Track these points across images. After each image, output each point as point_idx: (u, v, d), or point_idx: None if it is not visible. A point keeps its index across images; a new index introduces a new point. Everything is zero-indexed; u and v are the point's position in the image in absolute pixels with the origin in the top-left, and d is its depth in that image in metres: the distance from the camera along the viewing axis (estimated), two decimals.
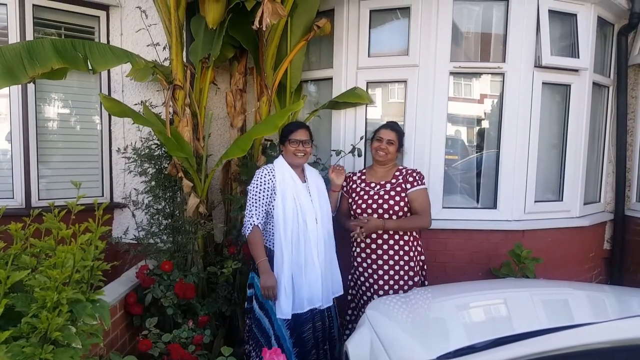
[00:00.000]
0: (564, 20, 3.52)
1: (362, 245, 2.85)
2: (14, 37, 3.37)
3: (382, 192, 2.83)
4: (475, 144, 3.62)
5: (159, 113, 3.37)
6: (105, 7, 3.77)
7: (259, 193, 2.59)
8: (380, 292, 2.77)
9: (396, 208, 2.77)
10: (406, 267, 2.78)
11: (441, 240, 3.37)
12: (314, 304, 2.58)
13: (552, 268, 3.40)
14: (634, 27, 3.81)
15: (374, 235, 2.80)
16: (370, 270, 2.82)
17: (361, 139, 3.40)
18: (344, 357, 2.20)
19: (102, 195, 3.86)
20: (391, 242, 2.79)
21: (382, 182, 2.87)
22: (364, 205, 2.83)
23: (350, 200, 2.93)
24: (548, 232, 3.50)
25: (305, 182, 2.70)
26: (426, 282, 2.95)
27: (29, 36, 3.42)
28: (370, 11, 3.45)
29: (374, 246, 2.81)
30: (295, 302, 2.54)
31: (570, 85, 3.56)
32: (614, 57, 3.99)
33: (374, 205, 2.80)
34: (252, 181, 2.63)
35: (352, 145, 3.34)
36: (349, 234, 2.95)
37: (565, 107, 3.60)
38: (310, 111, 3.63)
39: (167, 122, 3.07)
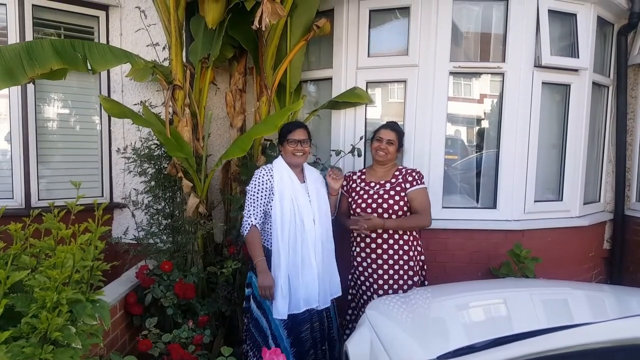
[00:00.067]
0: (564, 20, 3.52)
1: (362, 244, 2.85)
2: (13, 38, 3.37)
3: (381, 192, 2.83)
4: (475, 143, 3.62)
5: (159, 113, 3.37)
6: (105, 7, 3.77)
7: (257, 193, 2.59)
8: (380, 292, 2.77)
9: (396, 207, 2.77)
10: (406, 267, 2.79)
11: (441, 240, 3.37)
12: (310, 304, 2.57)
13: (552, 268, 3.40)
14: (634, 26, 3.81)
15: (373, 235, 2.80)
16: (370, 270, 2.82)
17: (361, 139, 3.40)
18: (344, 357, 2.20)
19: (102, 196, 3.86)
20: (391, 241, 2.79)
21: (382, 182, 2.88)
22: (363, 205, 2.83)
23: (350, 199, 2.93)
24: (548, 232, 3.50)
25: (304, 182, 2.70)
26: (426, 282, 2.95)
27: (29, 36, 3.42)
28: (370, 11, 3.45)
29: (373, 246, 2.81)
30: (292, 302, 2.54)
31: (570, 85, 3.56)
32: (614, 56, 3.99)
33: (374, 205, 2.80)
34: (251, 181, 2.64)
35: (351, 145, 3.34)
36: (348, 234, 2.95)
37: (565, 107, 3.60)
38: (309, 111, 3.63)
39: (167, 122, 3.07)
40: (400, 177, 2.86)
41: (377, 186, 2.87)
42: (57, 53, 2.49)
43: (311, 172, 2.79)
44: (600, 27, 3.74)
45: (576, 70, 3.53)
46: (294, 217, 2.57)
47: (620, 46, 3.91)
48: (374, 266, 2.80)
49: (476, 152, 3.58)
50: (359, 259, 2.87)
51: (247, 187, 2.65)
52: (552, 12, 3.38)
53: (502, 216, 3.41)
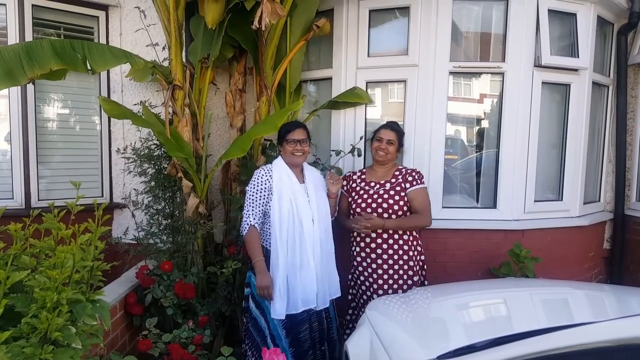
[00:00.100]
0: (564, 19, 3.52)
1: (362, 244, 2.85)
2: (13, 38, 3.38)
3: (381, 192, 2.83)
4: (475, 143, 3.62)
5: (159, 113, 3.37)
6: (105, 7, 3.77)
7: (256, 194, 2.60)
8: (380, 292, 2.77)
9: (395, 207, 2.77)
10: (405, 267, 2.79)
11: (441, 240, 3.37)
12: (308, 305, 2.57)
13: (552, 267, 3.40)
14: (634, 26, 3.81)
15: (373, 235, 2.80)
16: (369, 270, 2.82)
17: (361, 138, 3.40)
18: (344, 357, 2.20)
19: (102, 196, 3.86)
20: (390, 241, 2.79)
21: (382, 182, 2.88)
22: (363, 205, 2.83)
23: (349, 199, 2.93)
24: (548, 232, 3.50)
25: (303, 182, 2.69)
26: (426, 282, 2.95)
27: (28, 36, 3.42)
28: (370, 11, 3.45)
29: (373, 245, 2.81)
30: (290, 302, 2.54)
31: (570, 84, 3.56)
32: (614, 56, 3.99)
33: (374, 205, 2.80)
34: (250, 182, 2.65)
35: (351, 145, 3.34)
36: (348, 234, 2.95)
37: (564, 107, 3.60)
38: (309, 111, 3.63)
39: (167, 122, 3.07)
40: (400, 177, 2.86)
41: (377, 186, 2.87)
42: (57, 53, 2.49)
43: (311, 172, 2.78)
44: (600, 27, 3.74)
45: (576, 70, 3.53)
46: (292, 218, 2.56)
47: (620, 46, 3.91)
48: (374, 266, 2.80)
49: (476, 152, 3.58)
50: (358, 259, 2.87)
51: (247, 188, 2.66)
52: (552, 12, 3.38)
53: (502, 216, 3.41)
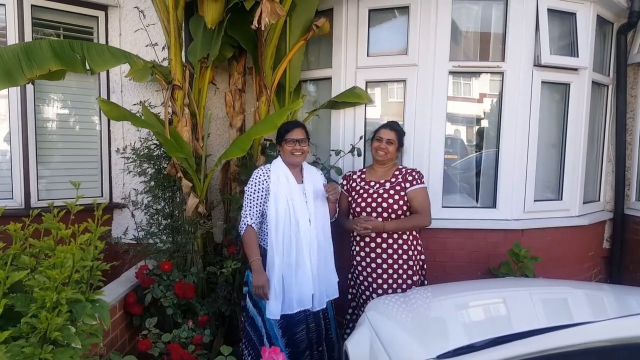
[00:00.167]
0: (563, 19, 3.52)
1: (362, 244, 2.85)
2: (12, 38, 3.38)
3: (381, 191, 2.83)
4: (474, 143, 3.62)
5: (158, 113, 3.37)
6: (104, 8, 3.77)
7: (253, 194, 2.61)
8: (380, 291, 2.77)
9: (395, 207, 2.77)
10: (405, 266, 2.79)
11: (440, 239, 3.37)
12: (303, 305, 2.56)
13: (552, 267, 3.40)
14: (634, 25, 3.81)
15: (373, 234, 2.81)
16: (369, 269, 2.82)
17: (360, 138, 3.40)
18: (344, 357, 2.21)
19: (102, 196, 3.86)
20: (390, 241, 2.80)
21: (382, 181, 2.88)
22: (363, 204, 2.83)
23: (349, 198, 2.93)
24: (547, 231, 3.50)
25: (302, 182, 2.69)
26: (425, 282, 2.95)
27: (28, 37, 3.42)
28: (369, 10, 3.45)
29: (373, 245, 2.81)
30: (285, 303, 2.54)
31: (569, 84, 3.56)
32: (613, 55, 3.99)
33: (373, 204, 2.80)
34: (248, 182, 2.66)
35: (351, 145, 3.34)
36: (348, 233, 2.95)
37: (564, 106, 3.60)
38: (309, 111, 3.63)
39: (166, 122, 3.07)
40: (400, 176, 2.87)
41: (377, 185, 2.87)
42: (56, 54, 2.49)
43: (311, 173, 2.77)
44: (599, 26, 3.74)
45: (576, 70, 3.53)
46: (288, 218, 2.56)
47: (620, 45, 3.91)
48: (373, 265, 2.80)
49: (476, 152, 3.58)
50: (358, 258, 2.87)
51: (245, 188, 2.66)
52: (551, 11, 3.38)
53: (501, 215, 3.41)
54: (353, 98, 3.37)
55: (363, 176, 2.97)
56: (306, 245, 2.57)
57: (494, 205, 3.44)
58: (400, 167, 2.95)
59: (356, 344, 2.14)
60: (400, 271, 2.78)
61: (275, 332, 2.59)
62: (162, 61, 3.45)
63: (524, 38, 3.32)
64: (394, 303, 2.41)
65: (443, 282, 2.86)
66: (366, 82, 3.49)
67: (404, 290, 2.74)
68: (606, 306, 2.32)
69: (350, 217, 2.97)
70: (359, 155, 3.35)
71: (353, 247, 2.92)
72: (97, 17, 3.77)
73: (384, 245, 2.79)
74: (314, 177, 2.76)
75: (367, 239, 2.83)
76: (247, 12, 3.02)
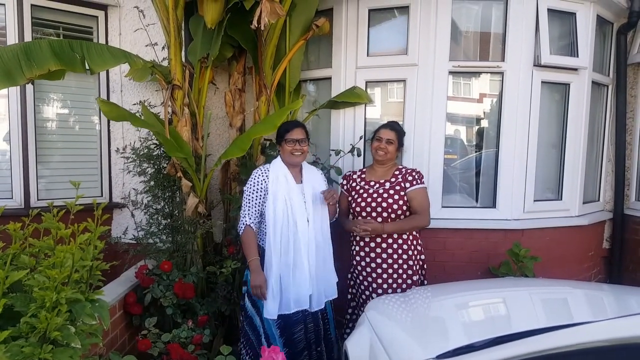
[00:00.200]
0: (563, 19, 3.52)
1: (362, 243, 2.85)
2: (12, 38, 3.38)
3: (381, 191, 2.83)
4: (474, 143, 3.62)
5: (158, 113, 3.37)
6: (104, 7, 3.77)
7: (252, 194, 2.61)
8: (379, 291, 2.77)
9: (395, 207, 2.77)
10: (405, 266, 2.79)
11: (440, 239, 3.37)
12: (300, 305, 2.56)
13: (551, 267, 3.41)
14: (633, 25, 3.81)
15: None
16: (368, 269, 2.82)
17: (360, 138, 3.40)
18: (344, 357, 2.20)
19: (101, 195, 3.86)
20: (390, 240, 2.80)
21: (382, 181, 2.88)
22: (363, 204, 2.83)
23: (349, 198, 2.94)
24: (547, 231, 3.50)
25: (301, 182, 2.68)
26: (425, 282, 2.95)
27: (28, 36, 3.42)
28: (369, 10, 3.45)
29: (372, 244, 2.81)
30: (282, 302, 2.54)
31: (569, 84, 3.56)
32: (613, 55, 3.99)
33: (373, 204, 2.80)
34: (247, 182, 2.66)
35: (351, 144, 3.34)
36: (348, 233, 2.95)
37: (564, 106, 3.60)
38: (309, 110, 3.63)
39: (166, 122, 3.06)
40: (400, 176, 2.87)
41: (377, 185, 2.87)
42: (55, 54, 2.49)
43: (310, 173, 2.76)
44: (599, 26, 3.74)
45: (575, 70, 3.53)
46: (286, 218, 2.56)
47: (620, 45, 3.91)
48: (373, 265, 2.80)
49: (476, 152, 3.58)
50: (357, 258, 2.87)
51: (244, 188, 2.66)
52: (551, 11, 3.38)
53: (501, 215, 3.41)
54: (353, 98, 3.36)
55: (363, 176, 2.97)
56: (304, 245, 2.56)
57: (493, 205, 3.44)
58: (400, 167, 2.95)
59: (356, 344, 2.14)
60: (400, 271, 2.78)
61: (273, 332, 2.59)
62: (162, 61, 3.45)
63: (524, 38, 3.32)
64: (394, 303, 2.41)
65: (443, 282, 2.86)
66: (366, 82, 3.49)
67: (403, 290, 2.74)
68: (606, 306, 2.32)
69: (350, 216, 2.97)
70: (358, 155, 3.35)
71: (353, 247, 2.92)
72: (96, 17, 3.77)
73: (384, 245, 2.79)
74: (313, 177, 2.75)
75: (367, 239, 2.83)
76: (246, 12, 3.02)
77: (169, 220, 3.27)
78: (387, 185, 2.85)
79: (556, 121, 3.64)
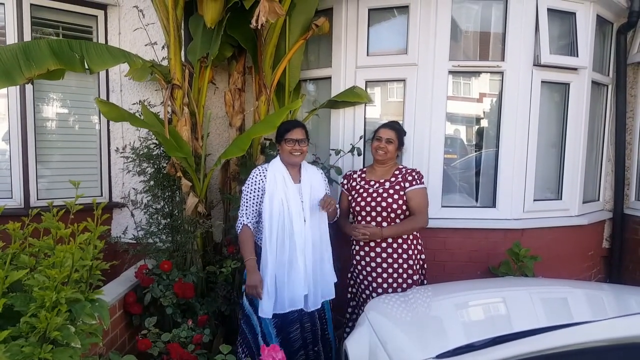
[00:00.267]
0: (563, 18, 3.52)
1: (362, 242, 2.85)
2: (11, 37, 3.37)
3: (380, 190, 2.83)
4: (474, 143, 3.62)
5: (158, 112, 3.37)
6: (103, 7, 3.77)
7: (250, 194, 2.62)
8: (379, 290, 2.77)
9: (394, 206, 2.77)
10: (405, 266, 2.79)
11: (440, 239, 3.37)
12: (295, 305, 2.56)
13: (551, 267, 3.41)
14: (633, 25, 3.81)
15: None
16: (368, 268, 2.82)
17: (360, 138, 3.40)
18: (343, 356, 2.21)
19: (101, 195, 3.86)
20: (390, 240, 2.80)
21: (382, 181, 2.88)
22: (362, 203, 2.83)
23: (350, 197, 2.94)
24: (547, 231, 3.50)
25: (299, 182, 2.68)
26: (425, 281, 2.95)
27: (27, 36, 3.42)
28: (369, 10, 3.45)
29: (372, 244, 2.81)
30: (277, 302, 2.54)
31: (569, 84, 3.56)
32: (613, 55, 3.99)
33: (373, 203, 2.80)
34: (246, 182, 2.66)
35: (351, 144, 3.34)
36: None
37: (564, 106, 3.60)
38: (309, 110, 3.62)
39: (166, 121, 3.06)
40: (400, 176, 2.87)
41: (377, 185, 2.87)
42: (54, 53, 2.49)
43: (310, 172, 2.75)
44: (599, 26, 3.74)
45: (575, 69, 3.53)
46: (282, 218, 2.56)
47: (620, 45, 3.91)
48: (373, 264, 2.80)
49: (475, 151, 3.58)
50: (358, 257, 2.87)
51: (243, 187, 2.67)
52: (551, 11, 3.37)
53: (501, 215, 3.41)
54: (353, 97, 3.36)
55: (363, 175, 2.97)
56: (300, 245, 2.56)
57: (493, 205, 3.44)
58: (400, 166, 2.95)
59: (356, 344, 2.14)
60: (400, 270, 2.78)
61: (270, 331, 2.59)
62: (161, 60, 3.44)
63: (524, 38, 3.32)
64: (394, 302, 2.41)
65: (443, 282, 2.86)
66: (366, 82, 3.49)
67: (404, 290, 2.74)
68: (605, 306, 2.32)
69: (351, 216, 2.97)
70: (359, 154, 3.35)
71: (353, 247, 2.92)
72: (96, 17, 3.76)
73: (384, 245, 2.79)
74: (312, 177, 2.74)
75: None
76: (246, 12, 3.01)
77: (168, 219, 3.27)
78: (387, 184, 2.85)
79: (556, 121, 3.64)
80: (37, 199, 3.56)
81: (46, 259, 1.47)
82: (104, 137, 3.86)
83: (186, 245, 3.17)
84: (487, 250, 3.37)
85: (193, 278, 3.04)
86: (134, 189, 3.55)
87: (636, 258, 3.95)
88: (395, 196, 2.79)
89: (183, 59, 3.23)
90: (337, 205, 2.88)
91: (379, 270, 2.79)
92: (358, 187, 2.92)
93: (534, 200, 3.48)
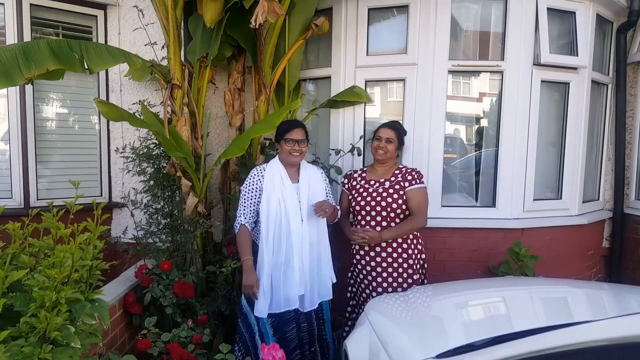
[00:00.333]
0: (563, 18, 3.52)
1: None
2: (11, 37, 3.37)
3: (380, 190, 2.83)
4: (474, 142, 3.62)
5: (158, 112, 3.37)
6: (103, 7, 3.77)
7: (247, 194, 2.62)
8: (379, 290, 2.77)
9: (394, 206, 2.77)
10: (405, 265, 2.79)
11: (440, 238, 3.37)
12: (290, 305, 2.55)
13: (551, 266, 3.41)
14: (633, 24, 3.81)
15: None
16: (368, 268, 2.82)
17: (360, 138, 3.40)
18: (343, 356, 2.20)
19: (101, 195, 3.86)
20: (390, 240, 2.80)
21: (382, 180, 2.88)
22: (362, 203, 2.83)
23: (350, 197, 2.94)
24: (547, 231, 3.50)
25: (297, 182, 2.67)
26: (425, 281, 2.95)
27: (27, 36, 3.41)
28: (369, 9, 3.45)
29: (373, 243, 2.81)
30: (273, 301, 2.54)
31: (569, 83, 3.56)
32: (613, 55, 3.99)
33: (372, 203, 2.80)
34: (244, 181, 2.66)
35: (351, 144, 3.34)
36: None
37: (564, 105, 3.60)
38: (308, 110, 3.62)
39: (165, 121, 3.06)
40: (400, 175, 2.87)
41: (377, 184, 2.87)
42: (54, 53, 2.48)
43: (309, 172, 2.74)
44: (599, 25, 3.74)
45: (575, 69, 3.53)
46: (279, 218, 2.56)
47: (620, 44, 3.91)
48: (373, 264, 2.80)
49: (475, 151, 3.58)
50: (358, 257, 2.87)
51: (241, 187, 2.67)
52: (551, 10, 3.37)
53: (501, 215, 3.41)
54: (352, 97, 3.36)
55: (364, 175, 2.97)
56: (296, 245, 2.56)
57: (493, 205, 3.44)
58: (400, 166, 2.95)
59: (356, 343, 2.14)
60: (400, 270, 2.78)
61: (267, 331, 2.59)
62: (161, 60, 3.44)
63: (524, 37, 3.32)
64: (394, 302, 2.41)
65: (443, 281, 2.86)
66: (365, 81, 3.49)
67: (404, 289, 2.74)
68: (605, 305, 2.32)
69: (351, 216, 2.97)
70: (358, 154, 3.35)
71: (353, 246, 2.92)
72: (96, 16, 3.76)
73: (384, 244, 2.79)
74: (312, 176, 2.73)
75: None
76: (246, 11, 3.01)
77: (168, 219, 3.27)
78: (387, 184, 2.85)
79: (556, 120, 3.64)
80: (37, 199, 3.56)
81: (46, 259, 1.47)
82: (103, 137, 3.86)
83: (186, 245, 3.17)
84: (487, 250, 3.37)
85: (193, 278, 3.04)
86: (133, 188, 3.55)
87: (636, 257, 3.95)
88: (395, 196, 2.79)
89: (183, 58, 3.23)
90: (338, 207, 2.88)
91: (379, 269, 2.79)
92: (358, 186, 2.92)
93: (534, 199, 3.48)
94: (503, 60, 3.36)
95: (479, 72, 3.49)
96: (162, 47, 3.36)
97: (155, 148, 3.28)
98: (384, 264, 2.78)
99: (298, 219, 2.58)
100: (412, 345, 1.86)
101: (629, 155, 4.08)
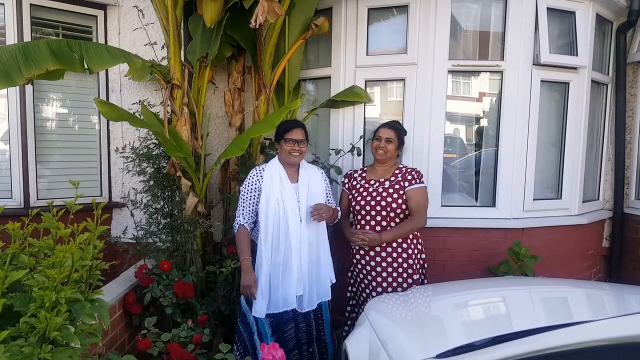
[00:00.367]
0: (563, 18, 3.52)
1: None
2: (11, 37, 3.37)
3: (380, 190, 2.83)
4: (474, 142, 3.62)
5: (157, 112, 3.37)
6: (103, 7, 3.77)
7: (247, 194, 2.62)
8: (379, 290, 2.77)
9: (394, 205, 2.77)
10: (405, 265, 2.79)
11: (440, 238, 3.37)
12: (288, 305, 2.55)
13: (551, 266, 3.41)
14: (633, 24, 3.81)
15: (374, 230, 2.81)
16: (368, 268, 2.82)
17: (360, 138, 3.39)
18: (343, 356, 2.20)
19: (101, 195, 3.86)
20: (389, 241, 2.79)
21: (382, 180, 2.88)
22: (362, 202, 2.83)
23: (350, 196, 2.94)
24: (547, 230, 3.50)
25: (296, 182, 2.67)
26: (425, 281, 2.95)
27: (27, 36, 3.41)
28: (369, 9, 3.44)
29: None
30: (271, 302, 2.54)
31: (568, 83, 3.56)
32: (613, 54, 3.99)
33: (372, 203, 2.80)
34: (244, 182, 2.66)
35: (351, 144, 3.34)
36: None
37: (563, 105, 3.60)
38: (308, 110, 3.62)
39: (165, 121, 3.06)
40: (400, 175, 2.87)
41: (377, 184, 2.87)
42: (54, 54, 2.48)
43: (309, 172, 2.73)
44: (599, 25, 3.74)
45: (575, 68, 3.53)
46: (278, 218, 2.56)
47: (619, 44, 3.91)
48: (373, 263, 2.80)
49: (475, 151, 3.58)
50: (357, 257, 2.88)
51: (240, 187, 2.67)
52: (550, 10, 3.37)
53: (501, 214, 3.41)
54: (352, 97, 3.36)
55: (364, 175, 2.97)
56: (295, 245, 2.56)
57: (493, 204, 3.44)
58: (400, 166, 2.95)
59: (356, 343, 2.14)
60: (400, 270, 2.78)
61: (266, 330, 2.58)
62: (161, 60, 3.44)
63: (523, 37, 3.32)
64: (394, 302, 2.41)
65: (443, 281, 2.86)
66: (365, 81, 3.49)
67: (404, 289, 2.74)
68: (605, 305, 2.32)
69: (351, 215, 2.97)
70: (358, 154, 3.35)
71: (353, 246, 2.92)
72: (96, 16, 3.76)
73: (384, 244, 2.79)
74: (311, 176, 2.72)
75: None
76: (246, 11, 3.01)
77: (168, 219, 3.27)
78: (387, 184, 2.85)
79: (556, 120, 3.64)
80: (37, 199, 3.56)
81: (46, 259, 1.47)
82: (103, 137, 3.86)
83: (186, 245, 3.17)
84: (487, 250, 3.37)
85: (193, 278, 3.04)
86: (133, 188, 3.55)
87: (636, 257, 3.96)
88: (395, 195, 2.79)
89: (182, 58, 3.23)
90: (338, 208, 2.88)
91: (379, 269, 2.79)
92: (358, 186, 2.92)
93: (534, 199, 3.48)
94: (503, 60, 3.36)
95: (479, 72, 3.49)
96: (162, 47, 3.36)
97: (155, 148, 3.28)
98: (384, 264, 2.78)
99: (297, 219, 2.58)
100: (412, 345, 1.86)
101: (628, 155, 4.08)
